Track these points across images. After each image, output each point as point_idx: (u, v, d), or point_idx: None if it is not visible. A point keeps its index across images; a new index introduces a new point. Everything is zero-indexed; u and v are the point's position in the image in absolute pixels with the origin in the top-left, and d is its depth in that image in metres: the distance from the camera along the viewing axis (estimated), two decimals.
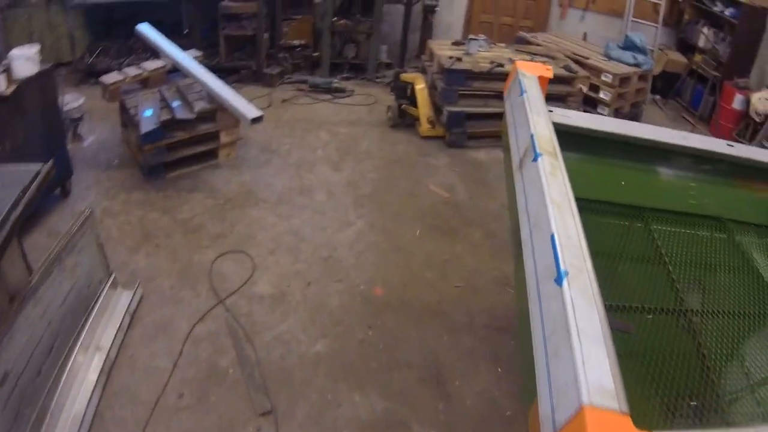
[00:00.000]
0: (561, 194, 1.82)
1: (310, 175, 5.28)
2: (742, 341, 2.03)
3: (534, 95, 2.47)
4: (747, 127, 7.92)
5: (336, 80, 7.32)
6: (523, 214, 1.97)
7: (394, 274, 4.06)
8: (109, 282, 3.35)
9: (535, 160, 1.99)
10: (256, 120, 4.80)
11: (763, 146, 6.91)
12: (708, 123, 8.21)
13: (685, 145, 2.72)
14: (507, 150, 2.49)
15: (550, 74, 2.80)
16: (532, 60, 5.87)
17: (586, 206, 2.08)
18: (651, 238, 2.39)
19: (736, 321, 2.10)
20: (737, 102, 7.80)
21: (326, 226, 4.53)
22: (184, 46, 5.70)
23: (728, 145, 2.80)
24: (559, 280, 1.48)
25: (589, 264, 1.55)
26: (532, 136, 2.12)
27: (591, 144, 2.64)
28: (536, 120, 2.23)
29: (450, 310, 3.76)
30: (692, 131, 7.99)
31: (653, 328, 1.97)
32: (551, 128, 2.21)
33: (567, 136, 2.33)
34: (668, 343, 1.93)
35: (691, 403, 1.73)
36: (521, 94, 2.49)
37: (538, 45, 7.09)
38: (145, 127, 4.57)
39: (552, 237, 1.62)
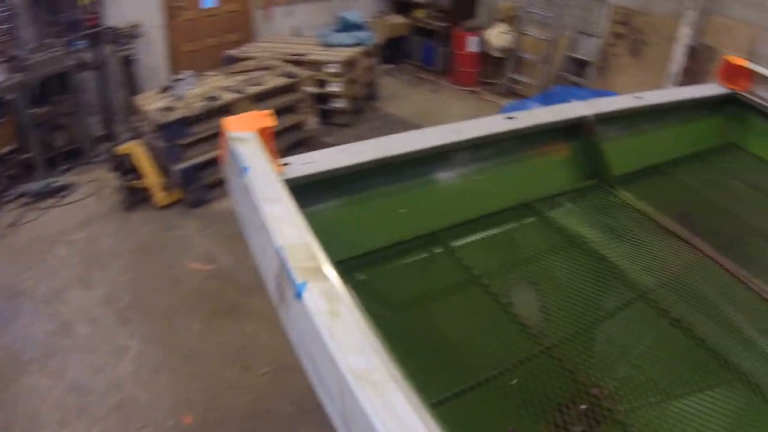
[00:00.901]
0: (361, 355, 1.07)
1: (64, 306, 4.40)
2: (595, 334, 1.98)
3: (261, 171, 1.68)
4: (488, 66, 8.07)
5: (54, 179, 6.00)
6: (320, 390, 1.20)
7: (195, 389, 3.54)
8: None
9: (299, 295, 1.21)
10: None
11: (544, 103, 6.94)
12: (447, 75, 8.20)
13: (460, 139, 2.29)
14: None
15: (272, 122, 2.04)
16: (249, 82, 5.12)
17: (371, 260, 1.97)
18: (457, 262, 2.12)
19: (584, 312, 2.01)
20: (472, 44, 7.90)
21: (102, 365, 3.81)
22: None
23: (508, 118, 2.46)
24: None
25: None
26: (279, 251, 1.33)
27: (351, 180, 2.09)
28: (278, 217, 1.45)
29: (271, 404, 3.36)
30: (436, 88, 7.91)
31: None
32: (304, 225, 1.46)
33: (322, 184, 1.96)
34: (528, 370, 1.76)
35: (582, 407, 1.66)
36: (242, 173, 1.68)
37: (249, 59, 6.28)
38: None
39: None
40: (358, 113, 6.74)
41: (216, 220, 5.16)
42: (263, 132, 1.96)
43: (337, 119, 6.46)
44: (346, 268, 1.68)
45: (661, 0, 6.89)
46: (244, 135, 1.90)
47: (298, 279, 1.22)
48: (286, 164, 1.96)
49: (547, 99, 6.73)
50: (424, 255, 2.13)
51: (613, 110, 2.85)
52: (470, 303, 2.01)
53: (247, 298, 4.17)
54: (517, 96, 7.76)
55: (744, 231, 2.79)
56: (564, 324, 1.95)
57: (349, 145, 2.10)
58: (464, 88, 8.12)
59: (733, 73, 3.47)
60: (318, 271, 1.26)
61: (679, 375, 1.87)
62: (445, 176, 2.34)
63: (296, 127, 5.51)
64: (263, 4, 7.25)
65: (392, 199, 2.19)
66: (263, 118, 2.04)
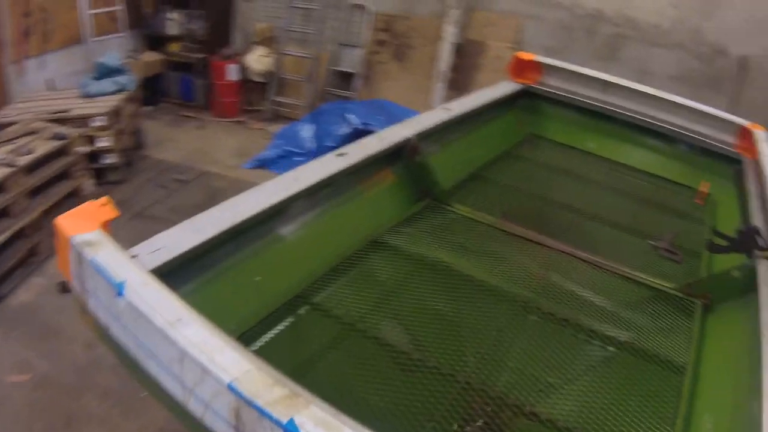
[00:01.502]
0: None
1: None
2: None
3: (139, 283, 1.39)
4: (252, 93, 7.83)
5: None
6: None
7: None
8: None
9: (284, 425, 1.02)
10: None
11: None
12: (210, 108, 7.84)
13: (300, 189, 2.17)
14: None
15: (113, 212, 1.72)
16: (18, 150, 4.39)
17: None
18: (326, 316, 2.05)
19: None
20: (232, 73, 7.57)
21: None
22: None
23: (339, 155, 2.43)
24: None
25: None
26: (234, 388, 1.10)
27: (201, 258, 1.85)
28: (198, 343, 1.20)
29: None
30: (202, 124, 7.51)
31: None
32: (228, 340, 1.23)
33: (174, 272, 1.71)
34: None
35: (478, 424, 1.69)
36: (117, 292, 1.38)
37: (11, 124, 5.34)
38: None
39: None
40: (130, 165, 6.14)
41: (18, 319, 4.31)
42: (106, 226, 1.65)
43: (111, 176, 5.81)
44: None
45: (422, 2, 7.23)
46: (91, 237, 1.57)
47: (282, 418, 1.01)
48: (134, 256, 1.65)
49: (316, 118, 6.79)
50: (291, 320, 2.00)
51: (431, 127, 2.95)
52: (354, 354, 1.95)
53: (79, 401, 3.58)
54: (285, 119, 7.53)
55: (570, 214, 3.10)
56: (447, 349, 1.96)
57: (189, 220, 1.85)
58: (230, 120, 7.73)
59: (523, 68, 3.77)
60: (294, 398, 1.06)
61: (558, 363, 2.01)
62: (289, 230, 2.21)
63: (73, 194, 4.87)
64: (15, 56, 6.22)
65: (244, 268, 2.00)
66: (101, 208, 1.71)
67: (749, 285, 2.25)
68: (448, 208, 2.81)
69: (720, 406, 1.92)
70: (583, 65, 3.96)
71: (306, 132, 6.74)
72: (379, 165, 2.66)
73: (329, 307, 2.06)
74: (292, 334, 1.96)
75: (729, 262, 2.45)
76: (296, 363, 1.85)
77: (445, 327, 2.07)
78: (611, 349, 2.13)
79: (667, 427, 1.82)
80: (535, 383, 1.91)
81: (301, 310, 2.03)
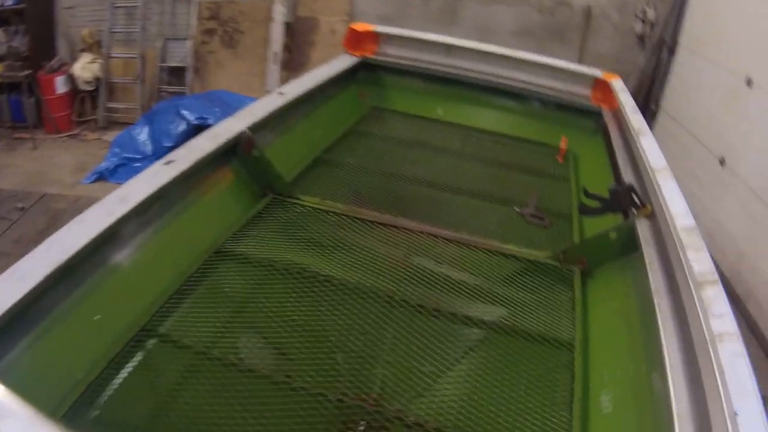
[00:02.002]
0: None
1: None
2: None
3: None
4: (83, 103, 7.31)
5: None
6: None
7: None
8: None
9: None
10: None
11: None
12: (43, 126, 7.18)
13: (129, 209, 1.84)
14: None
15: None
16: None
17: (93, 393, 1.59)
18: (176, 346, 1.79)
19: None
20: (61, 85, 7.01)
21: None
22: None
23: (166, 163, 2.08)
24: None
25: None
26: None
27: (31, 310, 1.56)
28: None
29: None
30: (36, 144, 6.87)
31: None
32: None
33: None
34: None
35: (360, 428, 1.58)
36: None
37: None
38: None
39: None
40: None
41: None
42: None
43: None
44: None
45: None
46: None
47: None
48: None
49: (151, 119, 6.44)
50: (141, 358, 1.74)
51: (265, 116, 2.60)
52: (212, 386, 1.70)
53: None
54: (121, 125, 7.08)
55: (426, 189, 2.84)
56: (313, 363, 1.76)
57: (10, 269, 1.52)
58: (65, 135, 7.13)
59: (359, 39, 3.47)
60: None
61: (436, 357, 1.85)
62: (124, 256, 1.90)
63: None
64: None
65: (81, 308, 1.71)
66: None
67: (628, 246, 2.11)
68: (294, 201, 2.48)
69: (618, 382, 1.76)
70: (422, 31, 3.72)
71: (142, 135, 6.38)
72: (214, 166, 2.32)
73: (178, 336, 1.80)
74: (145, 374, 1.71)
75: (602, 223, 2.30)
76: (153, 405, 1.64)
77: (307, 338, 1.86)
78: (491, 331, 1.95)
79: (563, 413, 1.67)
80: (416, 384, 1.74)
81: (149, 344, 1.77)
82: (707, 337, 1.40)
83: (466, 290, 2.10)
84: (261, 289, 2.04)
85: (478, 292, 2.10)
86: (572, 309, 2.06)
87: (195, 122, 5.98)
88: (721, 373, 1.29)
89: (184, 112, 6.12)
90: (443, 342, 1.88)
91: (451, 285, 2.12)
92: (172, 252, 2.03)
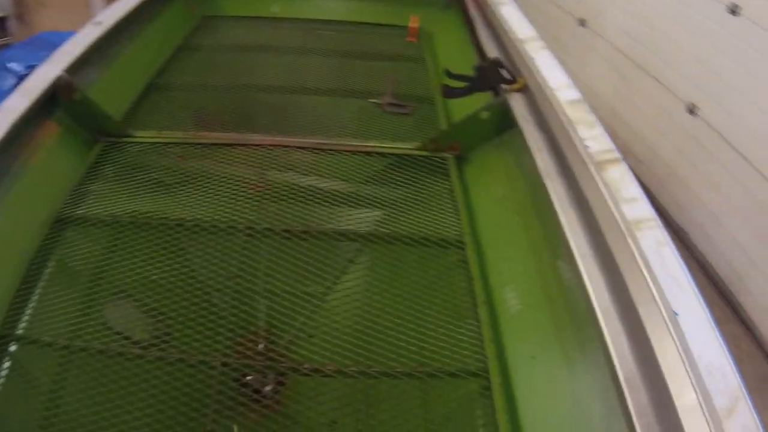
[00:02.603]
0: None
1: None
2: None
3: None
4: None
5: None
6: None
7: None
8: None
9: None
10: None
11: None
12: None
13: None
14: None
15: None
16: None
17: None
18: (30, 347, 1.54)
19: None
20: None
21: None
22: None
23: None
24: None
25: None
26: None
27: None
28: None
29: None
30: None
31: None
32: None
33: None
34: None
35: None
36: None
37: None
38: None
39: None
40: None
41: None
42: None
43: None
44: None
45: None
46: None
47: None
48: None
49: None
50: (9, 365, 1.50)
51: (83, 52, 2.20)
52: (88, 381, 1.47)
53: None
54: None
55: (274, 96, 2.59)
56: (186, 329, 1.55)
57: None
58: None
59: None
60: None
61: (320, 283, 1.70)
62: None
63: None
64: None
65: None
66: None
67: (503, 125, 1.97)
68: (129, 140, 2.16)
69: (521, 276, 1.62)
70: None
71: None
72: (34, 124, 1.95)
73: (38, 335, 1.55)
74: (18, 383, 1.48)
75: (470, 105, 2.11)
76: (37, 417, 1.41)
77: (173, 300, 1.63)
78: (370, 242, 1.77)
79: (470, 321, 1.53)
80: (303, 317, 1.59)
81: (12, 349, 1.51)
82: (622, 226, 1.24)
83: (334, 200, 1.92)
84: (112, 256, 1.77)
85: (348, 200, 1.92)
86: (453, 201, 1.91)
87: (25, 73, 5.15)
88: (648, 268, 1.14)
89: (11, 65, 5.39)
90: (322, 265, 1.71)
91: (316, 197, 1.92)
92: (7, 238, 1.70)
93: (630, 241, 1.20)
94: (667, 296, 1.08)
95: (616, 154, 1.49)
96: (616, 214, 1.28)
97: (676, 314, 1.06)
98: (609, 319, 1.15)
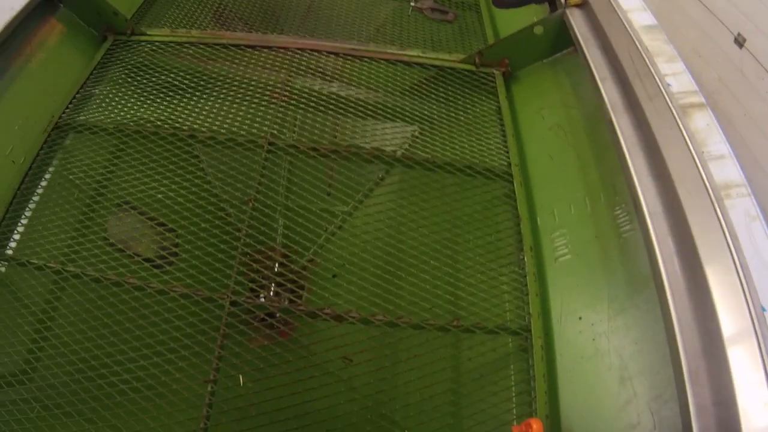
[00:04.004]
0: None
1: None
2: None
3: None
4: None
5: None
6: None
7: None
8: None
9: None
10: None
11: None
12: None
13: None
14: None
15: None
16: None
17: None
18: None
19: None
20: None
21: None
22: None
23: None
24: None
25: None
26: None
27: None
28: None
29: None
30: None
31: None
32: None
33: None
34: None
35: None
36: None
37: None
38: None
39: None
40: None
41: None
42: None
43: None
44: None
45: None
46: None
47: None
48: None
49: None
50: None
51: None
52: (86, 309, 1.35)
53: None
54: None
55: None
56: (195, 257, 1.40)
57: None
58: None
59: None
60: None
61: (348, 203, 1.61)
62: None
63: None
64: None
65: None
66: None
67: (558, 42, 1.72)
68: (140, 38, 1.94)
69: (574, 221, 1.42)
70: None
71: None
72: (35, 22, 1.76)
73: (29, 254, 1.43)
74: (5, 302, 1.39)
75: (520, 17, 1.86)
76: (27, 339, 1.32)
77: (182, 218, 1.48)
78: (406, 166, 1.58)
79: (515, 269, 1.39)
80: (327, 249, 1.51)
81: (1, 269, 1.42)
82: (707, 189, 1.02)
83: (366, 112, 1.71)
84: (115, 169, 1.62)
85: (382, 113, 1.71)
86: (500, 124, 1.69)
87: None
88: (737, 247, 0.93)
89: None
90: (349, 189, 1.57)
91: (347, 108, 1.72)
92: (2, 146, 1.55)
93: (717, 209, 0.99)
94: (756, 286, 0.89)
95: (701, 98, 1.23)
96: (701, 172, 1.06)
97: (764, 309, 0.88)
98: (678, 294, 0.96)
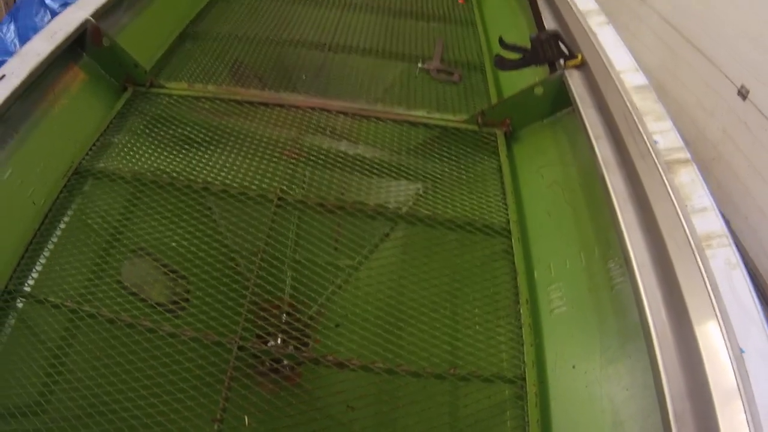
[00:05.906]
0: None
1: None
2: None
3: None
4: None
5: None
6: None
7: None
8: None
9: None
10: None
11: None
12: None
13: None
14: None
15: None
16: None
17: None
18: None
19: None
20: None
21: None
22: None
23: None
24: None
25: None
26: None
27: None
28: None
29: None
30: None
31: None
32: None
33: None
34: None
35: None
36: None
37: None
38: None
39: None
40: None
41: None
42: None
43: None
44: None
45: None
46: None
47: None
48: None
49: (15, 15, 5.51)
50: (14, 320, 1.44)
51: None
52: (97, 350, 1.39)
53: None
54: None
55: (314, 53, 2.44)
56: (204, 303, 1.46)
57: None
58: None
59: None
60: None
61: (354, 260, 1.64)
62: None
63: None
64: None
65: None
66: None
67: (557, 102, 1.82)
68: (158, 91, 2.05)
69: (569, 275, 1.48)
70: None
71: (9, 34, 5.52)
72: (59, 69, 1.86)
73: (46, 294, 1.46)
74: (22, 342, 1.41)
75: (522, 78, 1.97)
76: (39, 378, 1.34)
77: (194, 266, 1.55)
78: (409, 223, 1.65)
79: (511, 320, 1.44)
80: (332, 302, 1.54)
81: (19, 306, 1.45)
82: (689, 240, 1.11)
83: (372, 170, 1.79)
84: (131, 216, 1.69)
85: (388, 171, 1.79)
86: (501, 183, 1.77)
87: (60, 10, 5.18)
88: (716, 293, 1.01)
89: (48, 1, 5.35)
90: (360, 241, 1.62)
91: (354, 166, 1.80)
92: (23, 187, 1.62)
93: (698, 258, 1.07)
94: (734, 329, 0.96)
95: (687, 155, 1.33)
96: (684, 225, 1.14)
97: (742, 351, 0.94)
98: (664, 341, 1.02)
